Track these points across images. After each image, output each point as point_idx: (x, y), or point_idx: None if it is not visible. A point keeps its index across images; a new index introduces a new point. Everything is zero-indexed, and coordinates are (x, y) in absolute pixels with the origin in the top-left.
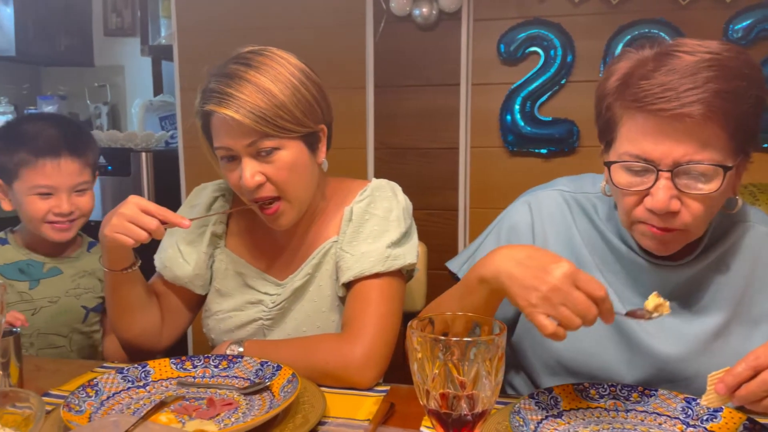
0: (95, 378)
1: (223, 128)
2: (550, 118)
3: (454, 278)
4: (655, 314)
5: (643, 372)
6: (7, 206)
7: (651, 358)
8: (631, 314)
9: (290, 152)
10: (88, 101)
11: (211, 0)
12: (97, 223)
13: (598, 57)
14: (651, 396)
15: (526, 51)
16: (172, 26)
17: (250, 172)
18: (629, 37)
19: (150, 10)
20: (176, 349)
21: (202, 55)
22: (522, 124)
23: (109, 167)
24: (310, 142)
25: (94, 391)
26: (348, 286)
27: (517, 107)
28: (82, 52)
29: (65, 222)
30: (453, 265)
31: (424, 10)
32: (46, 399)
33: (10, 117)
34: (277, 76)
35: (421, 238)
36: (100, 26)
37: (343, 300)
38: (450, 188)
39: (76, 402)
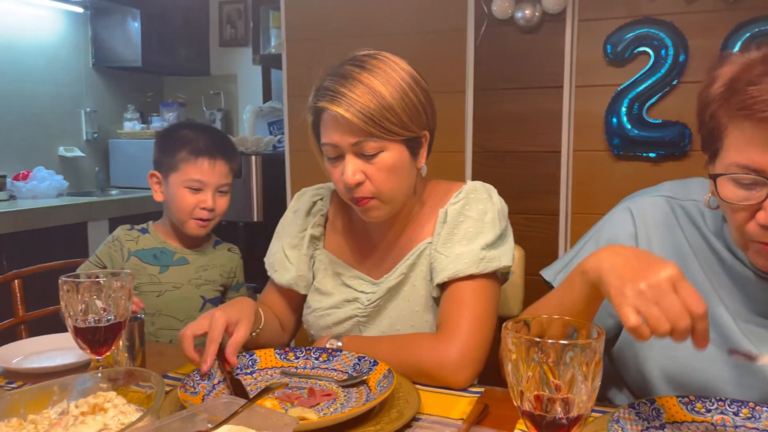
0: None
1: (332, 125)
2: (659, 121)
3: (549, 287)
4: (761, 362)
5: (753, 394)
6: (159, 197)
7: (764, 380)
8: (734, 352)
9: (392, 154)
10: (204, 108)
11: (318, 11)
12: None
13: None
14: (763, 412)
15: (635, 51)
16: (282, 36)
17: (352, 170)
18: (748, 35)
19: (261, 22)
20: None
21: (309, 63)
22: (629, 126)
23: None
24: (412, 146)
25: (207, 375)
26: (442, 287)
27: (623, 109)
28: (199, 62)
29: (207, 219)
30: (548, 273)
31: (527, 12)
32: (165, 380)
33: (137, 122)
34: (389, 79)
35: (519, 242)
36: (216, 37)
37: (437, 301)
38: (551, 192)
39: (192, 384)
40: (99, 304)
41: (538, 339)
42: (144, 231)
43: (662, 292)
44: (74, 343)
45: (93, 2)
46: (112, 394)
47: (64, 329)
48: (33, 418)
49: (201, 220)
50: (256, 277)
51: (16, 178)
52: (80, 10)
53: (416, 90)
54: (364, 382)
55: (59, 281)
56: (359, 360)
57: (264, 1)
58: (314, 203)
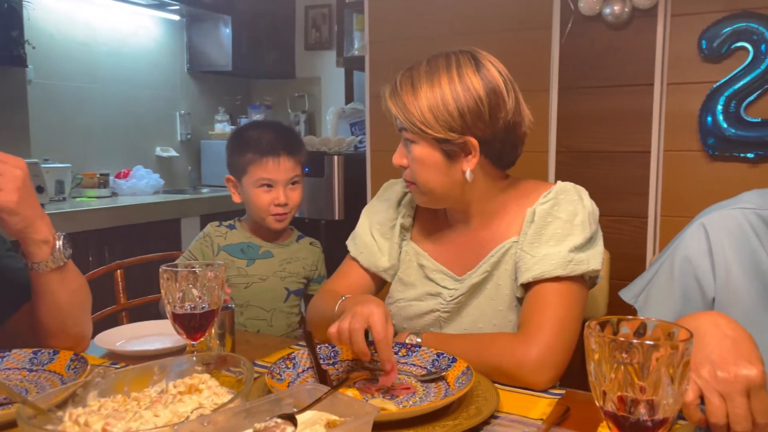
0: (293, 353)
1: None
2: (758, 120)
3: (631, 308)
4: None
5: None
6: (237, 199)
7: None
8: None
9: (421, 149)
10: (289, 110)
11: (401, 13)
12: (311, 221)
13: None
14: None
15: (732, 47)
16: (365, 38)
17: (398, 153)
18: None
19: (345, 25)
20: None
21: (391, 64)
22: (725, 125)
23: (306, 168)
24: (447, 149)
25: (292, 364)
26: (527, 287)
27: (719, 107)
28: (285, 66)
29: (283, 214)
30: (627, 295)
31: (616, 8)
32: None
33: (226, 124)
34: (436, 79)
35: (605, 245)
36: (301, 41)
37: (521, 301)
38: (639, 194)
39: (278, 371)
40: (195, 292)
41: (622, 339)
42: (231, 227)
43: (734, 390)
44: (169, 329)
45: (188, 10)
46: (206, 376)
47: (158, 316)
48: (135, 396)
49: (278, 215)
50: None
51: (117, 176)
52: (177, 18)
53: (468, 96)
54: (442, 378)
55: (160, 270)
56: (438, 356)
57: (348, 5)
58: (405, 194)
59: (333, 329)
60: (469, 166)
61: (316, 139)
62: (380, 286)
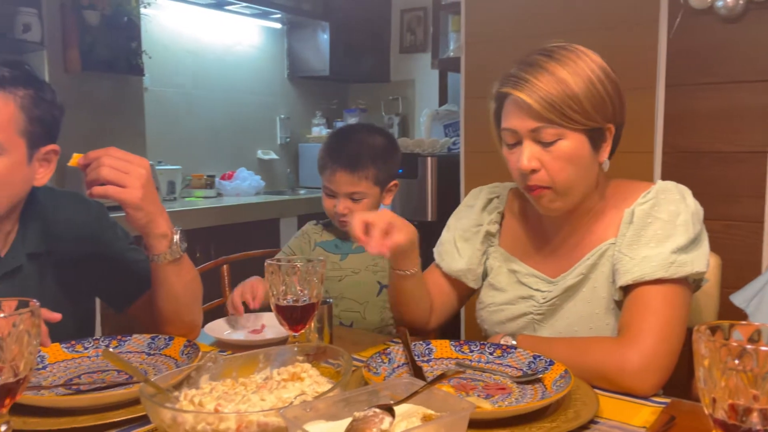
0: (388, 348)
1: (513, 110)
2: None
3: (742, 313)
4: None
5: None
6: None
7: None
8: None
9: (571, 143)
10: (383, 113)
11: (498, 12)
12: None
13: None
14: None
15: None
16: (461, 39)
17: (528, 156)
18: None
19: (441, 26)
20: (447, 334)
21: (487, 64)
22: None
23: (400, 170)
24: (594, 138)
25: (387, 359)
26: (626, 290)
27: None
28: (380, 69)
29: (343, 221)
30: (738, 299)
31: (729, 0)
32: None
33: (323, 127)
34: (576, 69)
35: (716, 250)
36: (396, 45)
37: (619, 304)
38: (754, 196)
39: (374, 365)
40: (297, 285)
41: (735, 344)
42: (328, 225)
43: None
44: (271, 321)
45: (289, 18)
46: (308, 365)
47: (260, 309)
48: (243, 381)
49: (341, 222)
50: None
51: (222, 178)
52: (278, 26)
53: (604, 81)
54: (539, 380)
55: (265, 264)
56: (534, 359)
57: (444, 7)
58: (490, 200)
59: None
60: (605, 155)
61: (410, 140)
62: (464, 292)
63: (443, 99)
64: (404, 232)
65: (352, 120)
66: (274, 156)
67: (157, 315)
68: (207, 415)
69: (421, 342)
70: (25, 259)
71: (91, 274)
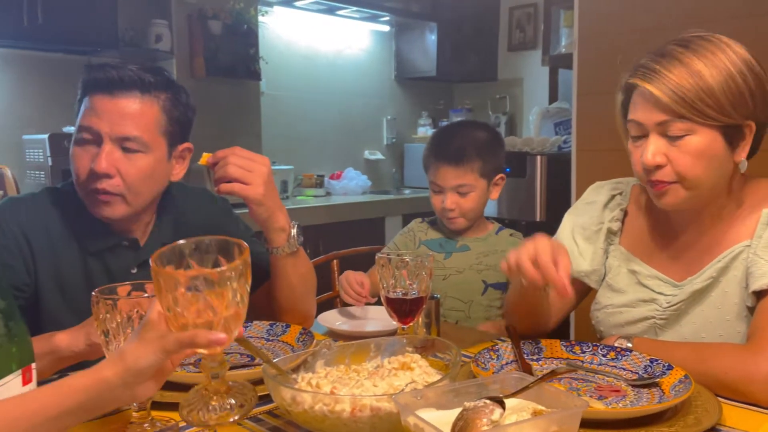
0: (497, 345)
1: (641, 102)
2: None
3: None
4: None
5: None
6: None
7: None
8: None
9: (702, 139)
10: (490, 112)
11: (613, 5)
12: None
13: None
14: None
15: None
16: (574, 34)
17: (653, 151)
18: None
19: (552, 22)
20: (555, 333)
21: (601, 60)
22: None
23: (507, 169)
24: (730, 135)
25: (496, 355)
26: (759, 295)
27: None
28: (487, 69)
29: (452, 217)
30: None
31: None
32: None
33: (428, 128)
34: (714, 61)
35: None
36: (504, 43)
37: (752, 310)
38: None
39: (483, 360)
40: (406, 279)
41: None
42: (433, 223)
43: None
44: (381, 314)
45: (397, 20)
46: (417, 356)
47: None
48: (355, 368)
49: (448, 218)
50: None
51: (331, 177)
52: (386, 28)
53: (746, 75)
54: (656, 384)
55: (376, 257)
56: (651, 362)
57: (556, 2)
58: (613, 197)
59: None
60: (743, 154)
61: (518, 139)
62: (582, 291)
63: (553, 96)
64: (564, 252)
65: (457, 120)
66: (380, 156)
67: (275, 304)
68: (324, 396)
69: (530, 341)
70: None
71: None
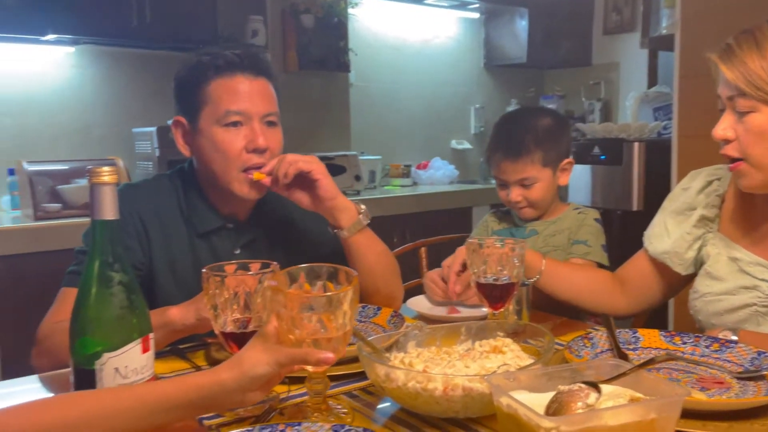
0: (591, 333)
1: (718, 78)
2: None
3: None
4: None
5: None
6: None
7: None
8: None
9: (763, 118)
10: (583, 98)
11: None
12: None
13: None
14: None
15: None
16: (676, 15)
17: (723, 125)
18: None
19: (652, 3)
20: (653, 325)
21: (706, 39)
22: None
23: (602, 156)
24: None
25: (590, 343)
26: None
27: None
28: (581, 53)
29: (521, 208)
30: None
31: None
32: None
33: None
34: None
35: None
36: (599, 26)
37: None
38: None
39: (576, 348)
40: (497, 264)
41: None
42: (506, 213)
43: None
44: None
45: (487, 7)
46: (509, 340)
47: None
48: (446, 350)
49: (517, 209)
50: None
51: (418, 167)
52: (476, 15)
53: None
54: (762, 378)
55: (466, 242)
56: (759, 355)
57: None
58: (709, 183)
59: None
60: None
61: (614, 125)
62: (671, 280)
63: (653, 80)
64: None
65: (549, 107)
66: (467, 146)
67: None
68: (417, 374)
69: (626, 330)
70: (261, 233)
71: (301, 257)
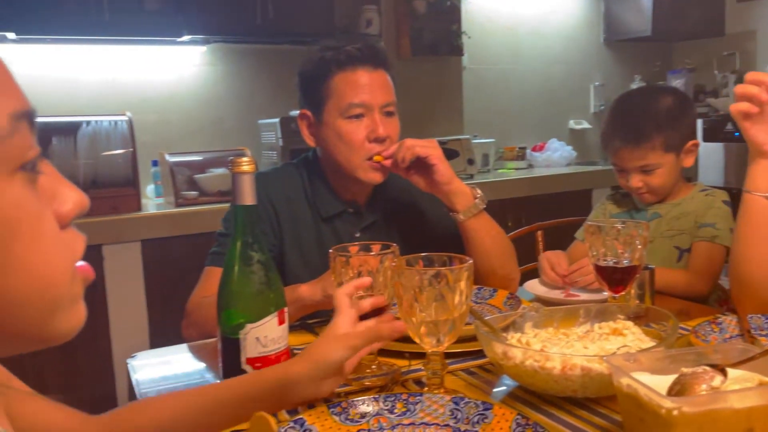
0: (719, 318)
1: None
2: None
3: None
4: None
5: None
6: None
7: None
8: None
9: None
10: (716, 71)
11: None
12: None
13: None
14: None
15: None
16: None
17: None
18: None
19: None
20: None
21: None
22: None
23: (737, 134)
24: None
25: (718, 328)
26: None
27: None
28: (712, 23)
29: (642, 194)
30: None
31: None
32: None
33: None
34: None
35: None
36: None
37: None
38: None
39: (703, 332)
40: (617, 247)
41: None
42: (625, 195)
43: None
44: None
45: None
46: (630, 323)
47: None
48: (564, 332)
49: (638, 195)
50: None
51: (533, 149)
52: None
53: None
54: None
55: (585, 225)
56: None
57: None
58: None
59: None
60: None
61: None
62: None
63: None
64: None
65: (677, 82)
66: (586, 125)
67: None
68: (534, 352)
69: (759, 315)
70: (380, 216)
71: (419, 238)
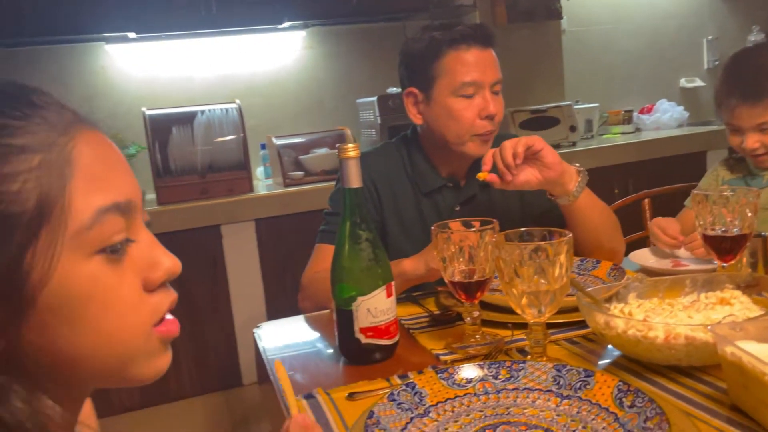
0: None
1: None
2: None
3: None
4: None
5: None
6: None
7: None
8: None
9: None
10: None
11: None
12: None
13: None
14: None
15: None
16: None
17: None
18: None
19: None
20: None
21: None
22: None
23: None
24: None
25: None
26: None
27: None
28: None
29: (756, 155)
30: None
31: None
32: None
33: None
34: None
35: None
36: None
37: None
38: None
39: None
40: (726, 216)
41: None
42: (740, 160)
43: None
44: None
45: None
46: (738, 292)
47: None
48: (669, 302)
49: (754, 156)
50: None
51: (641, 112)
52: None
53: None
54: None
55: (692, 193)
56: None
57: None
58: None
59: None
60: None
61: None
62: None
63: None
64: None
65: None
66: (699, 83)
67: (581, 249)
68: (637, 322)
69: None
70: (479, 191)
71: (516, 213)
